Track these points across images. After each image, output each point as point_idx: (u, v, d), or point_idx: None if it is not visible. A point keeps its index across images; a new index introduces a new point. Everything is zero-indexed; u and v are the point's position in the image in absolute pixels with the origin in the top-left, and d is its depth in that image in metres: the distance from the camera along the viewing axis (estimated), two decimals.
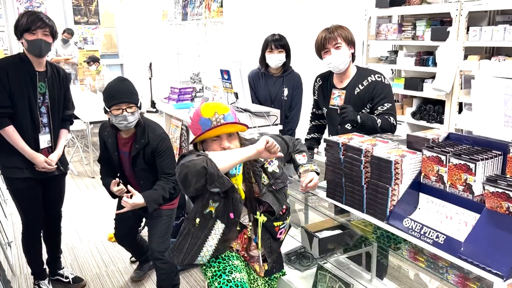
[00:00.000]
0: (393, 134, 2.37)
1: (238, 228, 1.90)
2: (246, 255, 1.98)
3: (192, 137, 1.99)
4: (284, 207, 1.97)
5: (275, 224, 1.95)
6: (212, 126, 1.79)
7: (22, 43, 2.58)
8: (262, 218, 1.91)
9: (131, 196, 2.46)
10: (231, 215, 1.84)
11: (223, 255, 1.92)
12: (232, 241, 1.92)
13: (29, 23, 2.51)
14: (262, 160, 1.92)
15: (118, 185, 2.54)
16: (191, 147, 1.97)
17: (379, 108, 2.43)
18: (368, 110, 2.48)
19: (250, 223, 1.93)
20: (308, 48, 2.61)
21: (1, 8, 8.41)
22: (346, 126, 2.48)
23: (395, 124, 2.41)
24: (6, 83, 2.52)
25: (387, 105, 2.42)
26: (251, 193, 1.90)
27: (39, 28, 2.53)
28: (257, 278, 2.01)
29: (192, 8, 7.72)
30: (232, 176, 1.85)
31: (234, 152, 1.77)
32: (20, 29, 2.53)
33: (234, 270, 1.85)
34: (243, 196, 1.88)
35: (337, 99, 2.51)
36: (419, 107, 4.09)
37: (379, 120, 2.36)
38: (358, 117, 2.33)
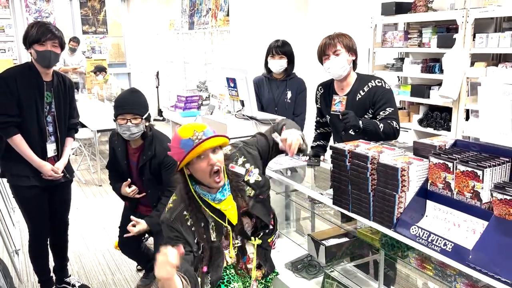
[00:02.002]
0: (397, 138, 2.36)
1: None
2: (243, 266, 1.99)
3: None
4: (271, 216, 1.98)
5: (269, 240, 2.00)
6: (195, 144, 1.69)
7: (30, 53, 2.60)
8: (257, 242, 1.94)
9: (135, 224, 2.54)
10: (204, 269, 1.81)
11: None
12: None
13: (39, 35, 2.54)
14: (243, 173, 1.88)
15: (129, 186, 2.64)
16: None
17: (381, 113, 2.42)
18: (371, 116, 2.48)
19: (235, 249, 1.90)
20: (313, 56, 2.62)
21: (11, 18, 8.54)
22: (350, 132, 2.48)
23: (398, 128, 2.41)
24: (15, 92, 2.54)
25: (389, 109, 2.42)
26: (239, 209, 1.85)
27: (49, 39, 2.55)
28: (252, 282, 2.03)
29: (199, 17, 7.79)
30: (222, 200, 1.80)
31: None
32: (30, 40, 2.56)
33: (232, 280, 1.87)
34: (235, 221, 1.83)
35: (339, 105, 2.51)
36: (426, 114, 4.07)
37: (381, 125, 2.36)
38: (360, 122, 2.33)
